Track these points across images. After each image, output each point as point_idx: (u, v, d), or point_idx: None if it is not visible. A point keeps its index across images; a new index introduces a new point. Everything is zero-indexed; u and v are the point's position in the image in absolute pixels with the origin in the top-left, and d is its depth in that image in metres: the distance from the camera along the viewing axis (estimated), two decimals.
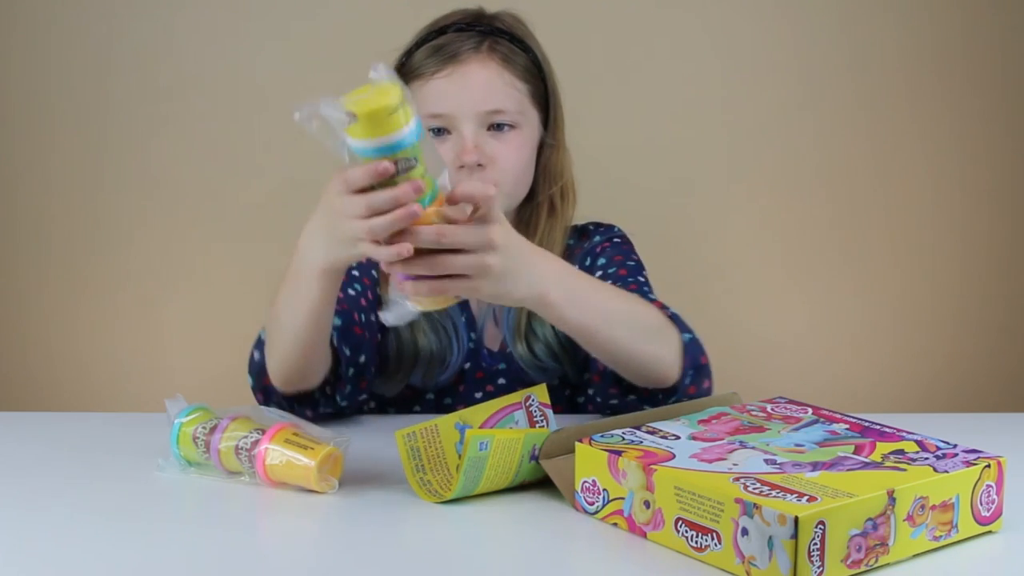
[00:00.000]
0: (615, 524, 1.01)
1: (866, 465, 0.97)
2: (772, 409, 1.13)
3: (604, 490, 1.01)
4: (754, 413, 1.12)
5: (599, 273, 1.42)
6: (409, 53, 1.39)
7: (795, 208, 2.09)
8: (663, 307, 1.31)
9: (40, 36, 2.03)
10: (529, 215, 1.43)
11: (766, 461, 0.98)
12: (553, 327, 1.39)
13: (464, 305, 1.44)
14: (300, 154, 2.04)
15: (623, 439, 1.04)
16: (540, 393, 1.21)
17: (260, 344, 1.30)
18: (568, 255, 1.45)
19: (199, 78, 2.03)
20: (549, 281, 1.12)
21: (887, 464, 0.98)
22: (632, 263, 1.44)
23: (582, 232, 1.49)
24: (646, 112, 2.04)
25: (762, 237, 2.09)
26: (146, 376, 2.08)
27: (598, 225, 1.51)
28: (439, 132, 1.35)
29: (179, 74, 2.03)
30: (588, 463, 1.03)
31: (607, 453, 1.00)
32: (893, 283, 2.11)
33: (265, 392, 1.30)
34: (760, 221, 2.09)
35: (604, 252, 1.45)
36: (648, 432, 1.06)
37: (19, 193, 2.06)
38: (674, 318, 1.29)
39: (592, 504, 1.02)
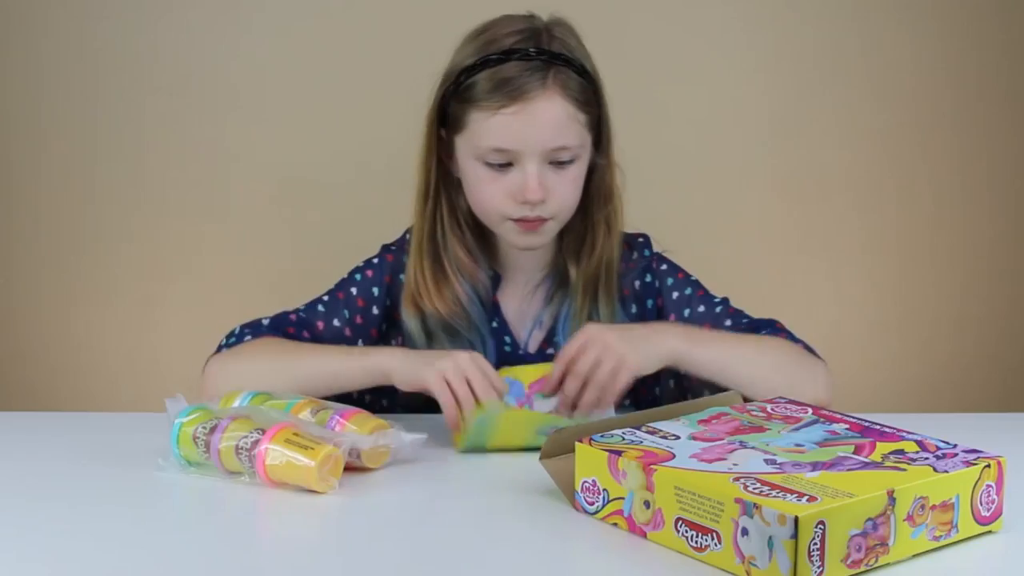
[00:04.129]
0: (615, 524, 1.00)
1: (866, 465, 0.97)
2: (772, 409, 1.13)
3: (604, 490, 1.01)
4: (754, 413, 1.12)
5: (681, 303, 1.47)
6: (469, 71, 1.36)
7: (799, 210, 2.08)
8: (784, 331, 1.41)
9: (30, 39, 2.01)
10: (584, 232, 1.45)
11: (766, 461, 0.98)
12: None
13: (495, 310, 1.46)
14: (297, 154, 2.06)
15: (623, 439, 1.04)
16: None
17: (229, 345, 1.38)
18: (621, 268, 1.47)
19: (194, 77, 2.01)
20: (671, 336, 1.32)
21: (887, 464, 0.97)
22: (694, 280, 1.50)
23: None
24: (659, 113, 2.02)
25: (765, 239, 2.09)
26: (146, 376, 2.07)
27: (628, 234, 1.51)
28: (501, 166, 1.36)
29: (174, 73, 2.01)
30: (588, 463, 1.03)
31: (607, 453, 1.00)
32: (893, 283, 2.11)
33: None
34: (764, 224, 2.08)
35: (664, 273, 1.49)
36: (648, 432, 1.06)
37: (14, 194, 2.05)
38: (806, 346, 1.41)
39: (592, 504, 1.02)
